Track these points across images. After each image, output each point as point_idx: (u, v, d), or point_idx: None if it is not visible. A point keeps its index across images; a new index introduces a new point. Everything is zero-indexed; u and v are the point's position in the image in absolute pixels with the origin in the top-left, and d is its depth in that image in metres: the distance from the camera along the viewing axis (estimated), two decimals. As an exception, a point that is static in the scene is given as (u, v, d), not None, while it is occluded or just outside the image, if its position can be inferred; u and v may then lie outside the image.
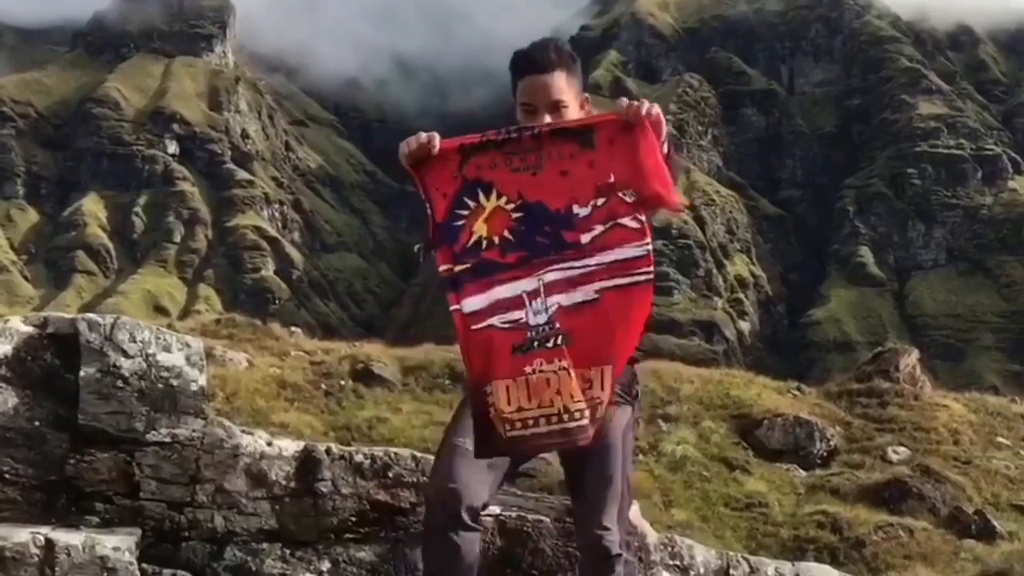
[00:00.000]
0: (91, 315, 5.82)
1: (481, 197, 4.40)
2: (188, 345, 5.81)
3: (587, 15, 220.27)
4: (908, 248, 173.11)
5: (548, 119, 4.58)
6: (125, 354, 5.65)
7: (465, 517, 4.39)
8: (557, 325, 4.30)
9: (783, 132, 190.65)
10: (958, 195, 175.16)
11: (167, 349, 5.74)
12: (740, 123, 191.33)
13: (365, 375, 22.72)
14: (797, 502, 20.16)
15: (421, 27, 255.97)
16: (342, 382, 22.41)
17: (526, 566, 5.71)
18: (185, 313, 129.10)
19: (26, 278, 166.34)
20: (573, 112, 4.65)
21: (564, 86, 4.65)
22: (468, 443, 4.42)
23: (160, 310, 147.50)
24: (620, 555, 4.56)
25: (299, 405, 21.13)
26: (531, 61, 4.66)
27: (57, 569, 5.16)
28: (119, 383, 5.62)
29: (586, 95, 4.78)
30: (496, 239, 4.35)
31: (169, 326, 25.50)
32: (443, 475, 4.46)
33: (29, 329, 5.76)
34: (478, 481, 4.45)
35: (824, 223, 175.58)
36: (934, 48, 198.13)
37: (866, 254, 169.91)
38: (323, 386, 22.20)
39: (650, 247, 4.35)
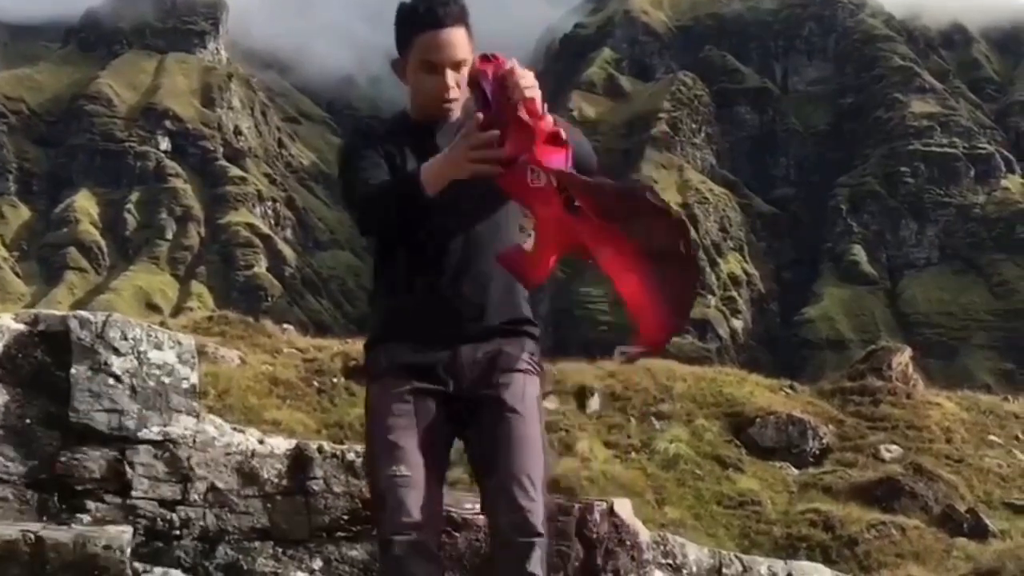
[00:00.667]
0: (82, 312, 5.81)
1: None
2: (179, 343, 5.80)
3: (581, 13, 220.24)
4: (901, 246, 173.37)
5: (451, 77, 4.24)
6: (116, 352, 5.63)
7: (429, 543, 4.10)
8: None
9: (776, 130, 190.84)
10: (951, 194, 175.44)
11: (158, 347, 5.72)
12: (733, 121, 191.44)
13: (358, 372, 22.67)
14: (790, 500, 20.18)
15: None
16: (335, 379, 22.39)
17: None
18: (177, 310, 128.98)
19: (18, 275, 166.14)
20: (471, 71, 4.20)
21: (465, 44, 4.29)
22: (401, 468, 4.11)
23: (152, 307, 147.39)
24: (541, 534, 4.07)
25: (291, 403, 21.11)
26: (431, 14, 4.26)
27: (47, 567, 5.14)
28: (110, 381, 5.61)
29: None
30: None
31: (161, 323, 25.48)
32: (391, 511, 4.09)
33: (20, 326, 5.74)
34: (426, 500, 4.10)
35: (817, 221, 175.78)
36: (927, 46, 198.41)
37: (859, 252, 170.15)
38: (315, 383, 22.18)
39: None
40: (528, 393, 4.29)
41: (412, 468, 4.12)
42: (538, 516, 4.09)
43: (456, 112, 4.36)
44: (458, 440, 4.36)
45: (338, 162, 4.44)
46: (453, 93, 4.31)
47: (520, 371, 4.30)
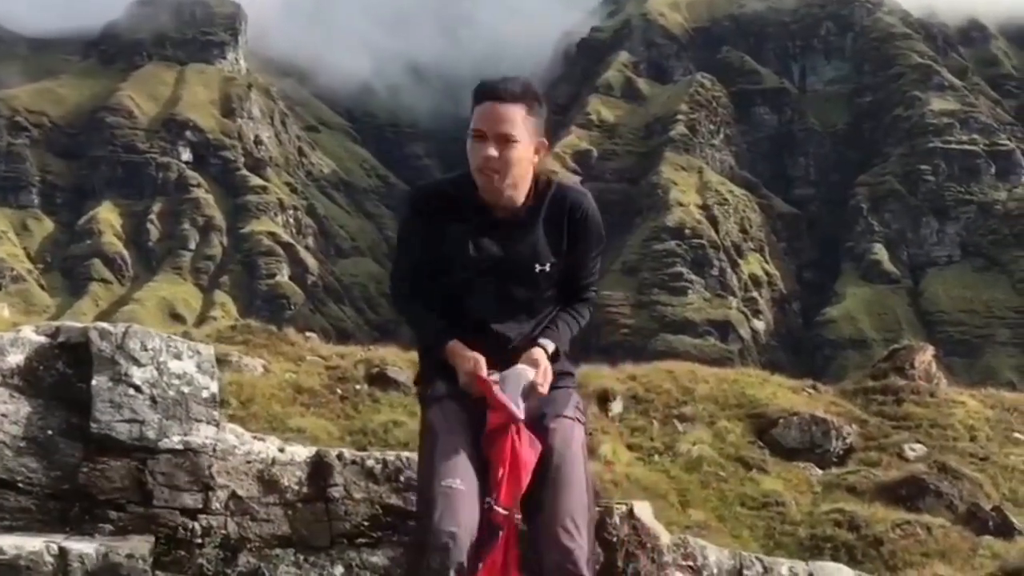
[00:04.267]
0: (102, 324, 5.84)
1: None
2: (199, 352, 5.83)
3: (598, 17, 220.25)
4: (922, 245, 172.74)
5: (494, 151, 4.49)
6: (136, 362, 5.66)
7: (464, 561, 4.28)
8: None
9: (795, 130, 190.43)
10: (972, 191, 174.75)
11: (178, 356, 5.75)
12: (752, 122, 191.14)
13: (380, 379, 22.71)
14: (814, 501, 20.11)
15: (433, 32, 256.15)
16: (358, 386, 22.41)
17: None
18: (201, 320, 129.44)
19: (42, 287, 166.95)
20: (524, 151, 4.53)
21: (518, 121, 4.50)
22: (457, 482, 4.36)
23: (176, 317, 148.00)
24: (584, 575, 4.37)
25: (315, 410, 21.14)
26: (491, 89, 4.53)
27: (71, 577, 5.18)
28: (131, 391, 5.64)
29: (544, 142, 4.64)
30: None
31: (185, 333, 25.60)
32: (439, 518, 4.31)
33: (41, 339, 5.78)
34: (472, 516, 4.35)
35: (838, 221, 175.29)
36: (945, 44, 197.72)
37: (880, 251, 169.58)
38: (339, 391, 22.21)
39: None
40: (575, 438, 4.58)
41: (467, 484, 4.37)
42: (582, 558, 4.36)
43: (507, 192, 4.58)
44: None
45: (397, 231, 4.92)
46: (492, 163, 4.51)
47: (568, 418, 4.61)
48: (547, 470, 4.45)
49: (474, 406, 4.53)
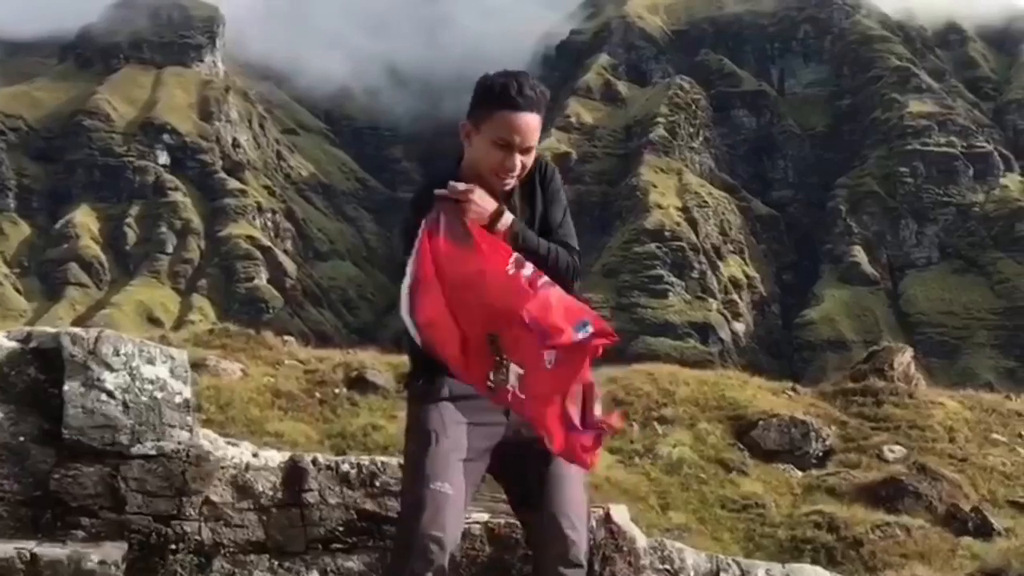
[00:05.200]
0: (74, 329, 5.79)
1: None
2: (172, 357, 5.78)
3: (577, 19, 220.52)
4: (901, 246, 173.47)
5: (518, 159, 4.45)
6: (109, 367, 5.61)
7: (446, 566, 4.27)
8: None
9: (774, 133, 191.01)
10: (950, 193, 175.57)
11: (151, 362, 5.70)
12: (731, 124, 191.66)
13: (359, 383, 22.66)
14: (794, 502, 20.13)
15: (412, 34, 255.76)
16: (336, 390, 22.36)
17: (516, 572, 5.67)
18: (179, 323, 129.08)
19: (19, 291, 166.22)
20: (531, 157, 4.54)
21: (539, 129, 4.50)
22: (446, 487, 4.32)
23: (154, 321, 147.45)
24: (583, 566, 4.44)
25: (293, 414, 21.07)
26: (520, 96, 4.42)
27: (43, 585, 5.12)
28: (103, 396, 5.59)
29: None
30: None
31: (163, 337, 25.46)
32: (426, 521, 4.28)
33: (12, 344, 5.73)
34: (457, 524, 4.35)
35: (817, 223, 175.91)
36: (923, 46, 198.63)
37: (859, 253, 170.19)
38: (317, 394, 22.15)
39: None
40: None
41: (456, 490, 4.34)
42: (582, 549, 4.42)
43: (509, 186, 4.55)
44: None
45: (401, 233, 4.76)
46: (516, 174, 4.50)
47: None
48: (551, 470, 4.46)
49: (475, 411, 4.48)
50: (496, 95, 4.43)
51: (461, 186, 4.36)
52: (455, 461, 4.39)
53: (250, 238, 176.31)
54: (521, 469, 4.52)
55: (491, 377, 4.34)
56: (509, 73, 4.49)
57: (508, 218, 4.43)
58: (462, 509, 4.36)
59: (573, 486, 4.48)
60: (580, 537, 4.42)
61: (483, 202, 4.38)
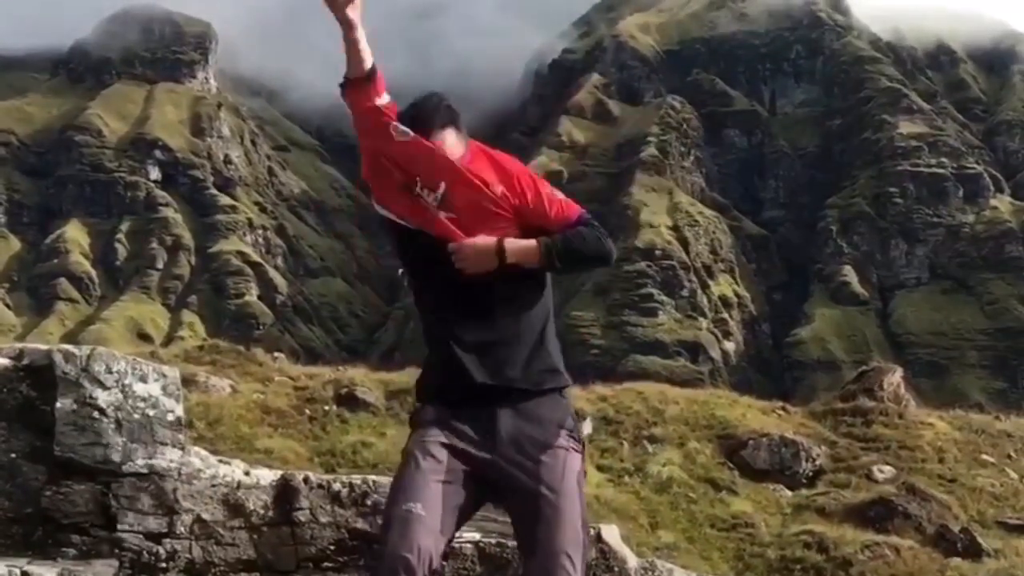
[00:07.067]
0: (67, 346, 5.78)
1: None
2: (164, 375, 5.78)
3: (569, 38, 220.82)
4: (891, 267, 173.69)
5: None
6: (101, 385, 5.61)
7: None
8: None
9: (765, 153, 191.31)
10: (940, 213, 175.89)
11: (143, 379, 5.70)
12: (723, 144, 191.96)
13: (349, 400, 22.62)
14: (783, 522, 20.12)
15: (403, 52, 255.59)
16: (326, 407, 22.32)
17: (507, 592, 5.67)
18: (169, 340, 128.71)
19: (8, 306, 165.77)
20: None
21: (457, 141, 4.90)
22: (418, 507, 4.31)
23: (143, 337, 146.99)
24: None
25: (283, 431, 21.03)
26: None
27: (33, 603, 5.11)
28: (95, 414, 5.59)
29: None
30: None
31: (152, 353, 25.43)
32: (394, 542, 4.28)
33: (4, 361, 5.72)
34: (433, 542, 4.32)
35: (807, 243, 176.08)
36: (914, 68, 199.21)
37: (849, 273, 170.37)
38: (307, 411, 22.11)
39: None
40: (568, 470, 4.51)
41: (428, 510, 4.32)
42: None
43: None
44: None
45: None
46: None
47: (561, 448, 4.54)
48: (541, 508, 4.41)
49: (459, 436, 4.48)
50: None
51: (452, 246, 4.57)
52: (432, 482, 4.38)
53: (241, 254, 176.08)
54: (518, 505, 4.50)
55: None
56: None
57: (514, 243, 4.69)
58: (436, 529, 4.32)
59: (569, 528, 4.41)
60: (576, 571, 4.37)
61: (478, 257, 4.59)
